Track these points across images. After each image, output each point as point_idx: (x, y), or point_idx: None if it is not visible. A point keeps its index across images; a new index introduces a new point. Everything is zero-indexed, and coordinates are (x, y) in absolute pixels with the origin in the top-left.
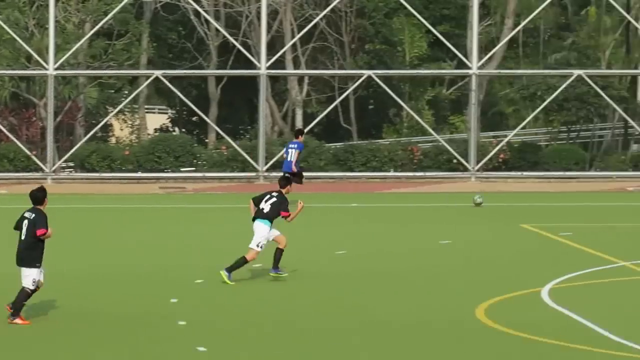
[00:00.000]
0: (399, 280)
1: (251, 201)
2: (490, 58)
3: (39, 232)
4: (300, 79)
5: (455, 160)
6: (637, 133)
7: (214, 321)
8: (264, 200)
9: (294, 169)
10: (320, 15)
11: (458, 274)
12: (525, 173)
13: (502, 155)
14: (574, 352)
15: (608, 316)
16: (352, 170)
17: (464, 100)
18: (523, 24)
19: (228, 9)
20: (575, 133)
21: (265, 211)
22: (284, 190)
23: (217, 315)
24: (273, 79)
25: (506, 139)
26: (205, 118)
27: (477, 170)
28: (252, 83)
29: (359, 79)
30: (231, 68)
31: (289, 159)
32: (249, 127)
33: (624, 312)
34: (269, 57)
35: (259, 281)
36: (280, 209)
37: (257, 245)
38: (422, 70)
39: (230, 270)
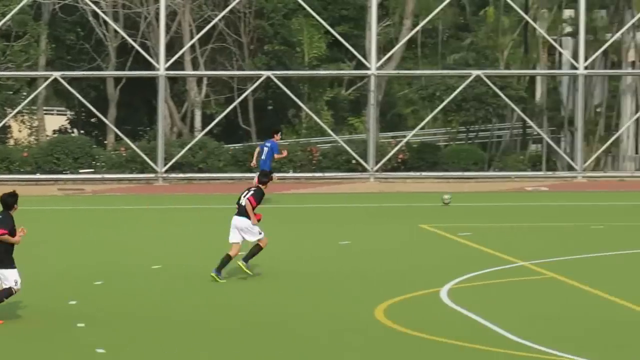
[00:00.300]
0: (297, 282)
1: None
2: (389, 59)
3: None
4: (199, 80)
5: (354, 161)
6: (535, 133)
7: (111, 323)
8: (242, 196)
9: (279, 155)
10: (219, 16)
11: (357, 274)
12: (424, 173)
13: (401, 156)
14: (473, 352)
15: (507, 316)
16: (251, 171)
17: (363, 101)
18: (421, 24)
19: (126, 10)
20: (474, 133)
21: (243, 204)
22: (262, 186)
23: (115, 317)
24: (172, 80)
25: (405, 140)
26: (104, 119)
27: (376, 171)
28: (151, 84)
29: (257, 80)
30: (130, 69)
31: (263, 158)
32: (148, 128)
33: (522, 311)
34: (167, 58)
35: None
36: (252, 196)
37: (259, 233)
38: (321, 71)
39: (246, 259)
